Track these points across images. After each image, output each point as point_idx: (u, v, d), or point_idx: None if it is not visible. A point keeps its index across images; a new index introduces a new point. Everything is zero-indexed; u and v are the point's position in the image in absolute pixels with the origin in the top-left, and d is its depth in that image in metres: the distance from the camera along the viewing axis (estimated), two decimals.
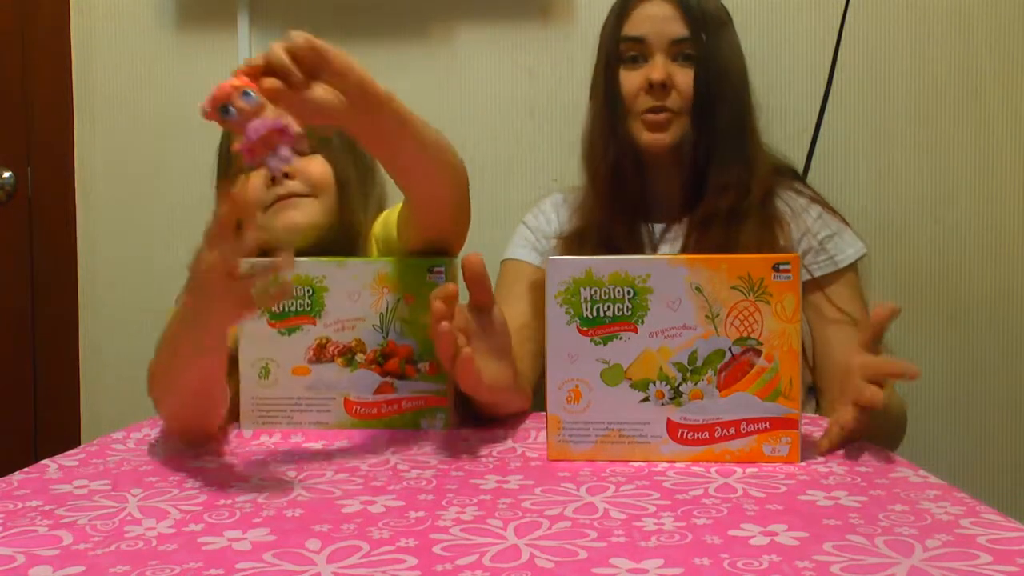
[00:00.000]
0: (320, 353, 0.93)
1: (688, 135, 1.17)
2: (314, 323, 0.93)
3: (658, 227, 1.21)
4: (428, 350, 0.92)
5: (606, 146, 1.20)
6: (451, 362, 0.79)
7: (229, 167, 1.12)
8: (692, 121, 1.17)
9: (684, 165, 1.19)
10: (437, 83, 1.57)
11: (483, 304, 0.86)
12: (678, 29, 1.16)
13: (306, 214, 1.07)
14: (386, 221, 1.11)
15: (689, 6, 1.16)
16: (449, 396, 0.93)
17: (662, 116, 1.17)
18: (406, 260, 0.94)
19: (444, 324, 0.77)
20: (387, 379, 0.93)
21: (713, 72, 1.16)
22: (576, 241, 1.20)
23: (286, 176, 1.05)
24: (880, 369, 0.81)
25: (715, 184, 1.16)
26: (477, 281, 0.84)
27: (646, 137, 1.18)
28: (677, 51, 1.17)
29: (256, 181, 0.70)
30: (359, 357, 0.93)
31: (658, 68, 1.16)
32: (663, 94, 1.16)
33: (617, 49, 1.20)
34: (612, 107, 1.19)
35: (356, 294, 0.93)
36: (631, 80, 1.18)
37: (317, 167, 1.08)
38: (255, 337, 0.94)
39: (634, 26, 1.18)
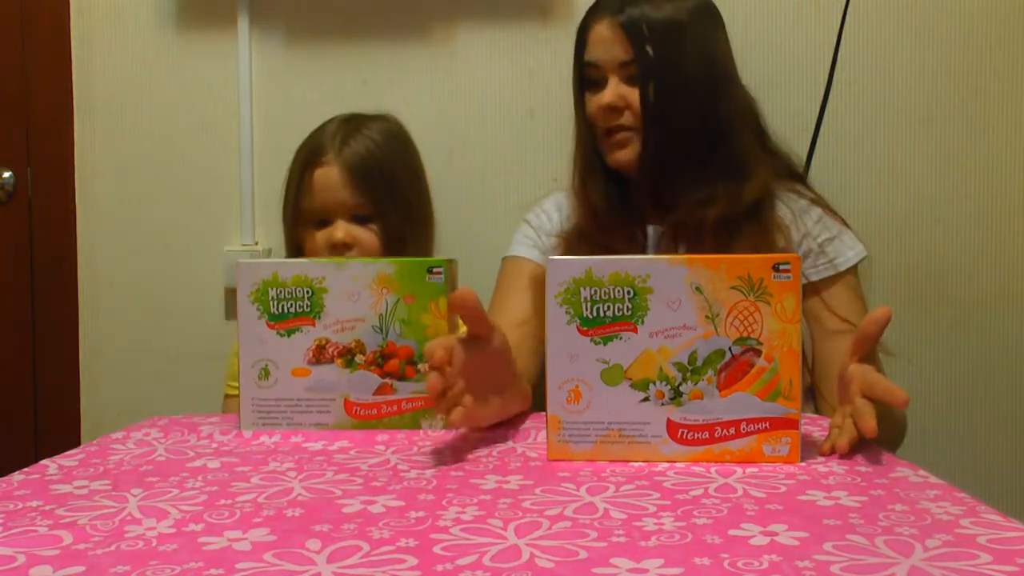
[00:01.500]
0: (320, 354, 0.93)
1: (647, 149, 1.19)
2: (313, 324, 0.93)
3: (650, 229, 1.22)
4: None
5: (583, 164, 1.24)
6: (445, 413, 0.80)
7: (298, 212, 1.29)
8: (644, 138, 1.18)
9: (652, 177, 1.19)
10: (437, 83, 1.57)
11: (482, 335, 0.85)
12: (622, 52, 1.17)
13: None
14: None
15: (632, 26, 1.17)
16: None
17: (620, 136, 1.19)
18: (405, 261, 0.94)
19: (435, 382, 0.77)
20: (387, 380, 0.93)
21: (662, 87, 1.16)
22: (576, 239, 1.20)
23: (346, 246, 1.24)
24: (874, 387, 0.80)
25: (690, 196, 1.16)
26: (472, 315, 0.83)
27: (610, 156, 1.21)
28: (626, 73, 1.18)
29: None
30: (359, 358, 0.93)
31: (608, 92, 1.18)
32: (615, 116, 1.19)
33: (580, 73, 1.23)
34: (582, 129, 1.24)
35: (356, 295, 0.93)
36: (591, 103, 1.21)
37: (369, 239, 1.26)
38: (254, 338, 0.94)
39: (589, 51, 1.21)
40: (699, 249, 1.14)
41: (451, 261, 0.94)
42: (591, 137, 1.23)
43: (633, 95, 1.17)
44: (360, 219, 1.26)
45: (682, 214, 1.17)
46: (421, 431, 0.92)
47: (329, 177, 1.25)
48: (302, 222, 1.29)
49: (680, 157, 1.17)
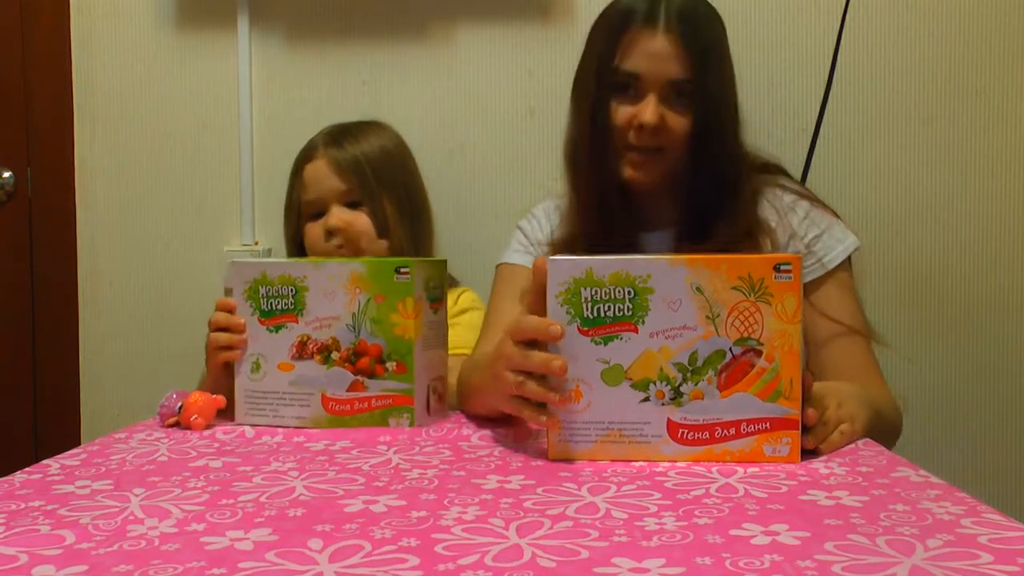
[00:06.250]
0: (302, 350, 0.97)
1: (676, 170, 1.13)
2: (297, 321, 0.97)
3: (647, 236, 1.19)
4: (396, 349, 0.95)
5: (590, 171, 1.16)
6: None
7: (298, 208, 1.35)
8: (687, 158, 1.12)
9: (673, 193, 1.15)
10: (437, 83, 1.57)
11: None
12: (677, 70, 1.09)
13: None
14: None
15: (692, 42, 1.09)
16: (417, 395, 0.95)
17: (644, 157, 1.12)
18: (376, 261, 0.97)
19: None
20: (358, 377, 0.96)
21: (711, 111, 1.11)
22: (566, 249, 1.17)
23: (338, 229, 1.30)
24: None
25: (710, 210, 1.13)
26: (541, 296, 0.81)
27: (628, 173, 1.14)
28: (672, 90, 1.11)
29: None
30: (334, 355, 0.96)
31: (649, 111, 1.09)
32: (650, 136, 1.11)
33: (609, 78, 1.13)
34: (598, 135, 1.14)
35: (332, 294, 0.96)
36: (620, 114, 1.12)
37: (361, 221, 1.31)
38: (249, 334, 0.99)
39: (630, 60, 1.11)
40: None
41: (417, 262, 0.96)
42: (605, 145, 1.14)
43: (671, 117, 1.11)
44: (352, 204, 1.32)
45: (687, 224, 1.14)
46: (422, 431, 0.92)
47: (319, 169, 1.33)
48: (304, 218, 1.35)
49: (712, 176, 1.12)
